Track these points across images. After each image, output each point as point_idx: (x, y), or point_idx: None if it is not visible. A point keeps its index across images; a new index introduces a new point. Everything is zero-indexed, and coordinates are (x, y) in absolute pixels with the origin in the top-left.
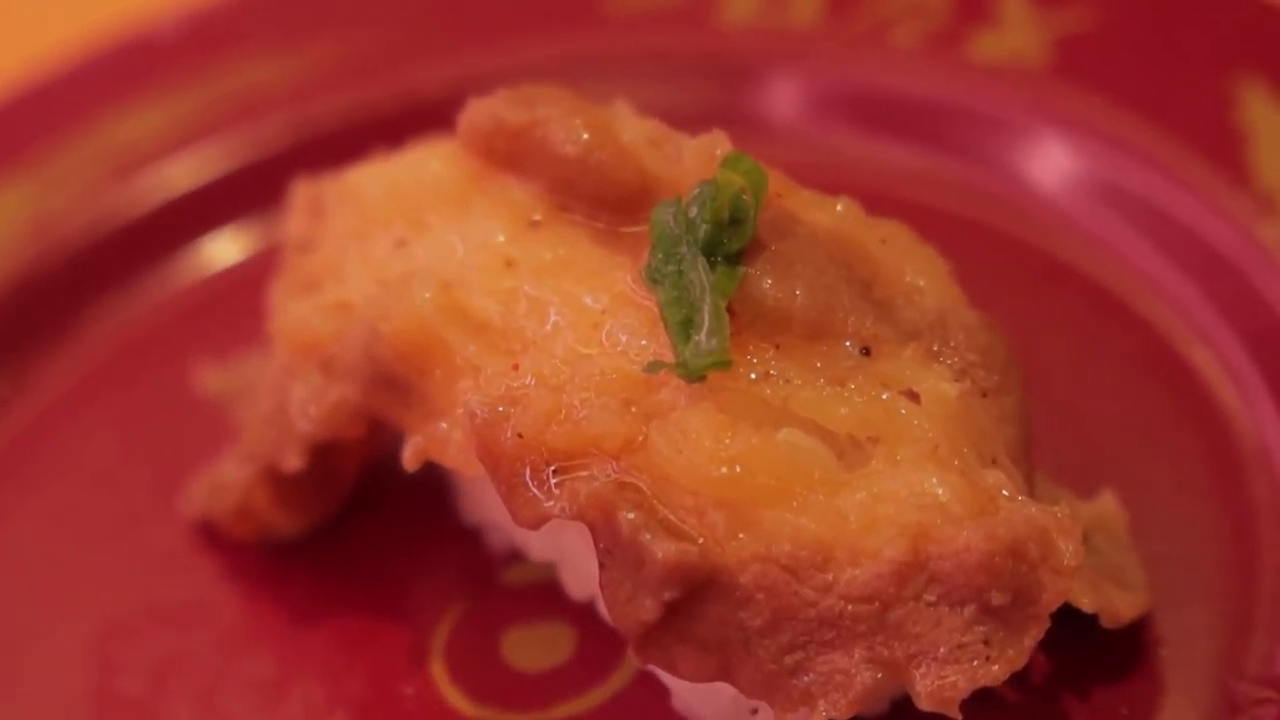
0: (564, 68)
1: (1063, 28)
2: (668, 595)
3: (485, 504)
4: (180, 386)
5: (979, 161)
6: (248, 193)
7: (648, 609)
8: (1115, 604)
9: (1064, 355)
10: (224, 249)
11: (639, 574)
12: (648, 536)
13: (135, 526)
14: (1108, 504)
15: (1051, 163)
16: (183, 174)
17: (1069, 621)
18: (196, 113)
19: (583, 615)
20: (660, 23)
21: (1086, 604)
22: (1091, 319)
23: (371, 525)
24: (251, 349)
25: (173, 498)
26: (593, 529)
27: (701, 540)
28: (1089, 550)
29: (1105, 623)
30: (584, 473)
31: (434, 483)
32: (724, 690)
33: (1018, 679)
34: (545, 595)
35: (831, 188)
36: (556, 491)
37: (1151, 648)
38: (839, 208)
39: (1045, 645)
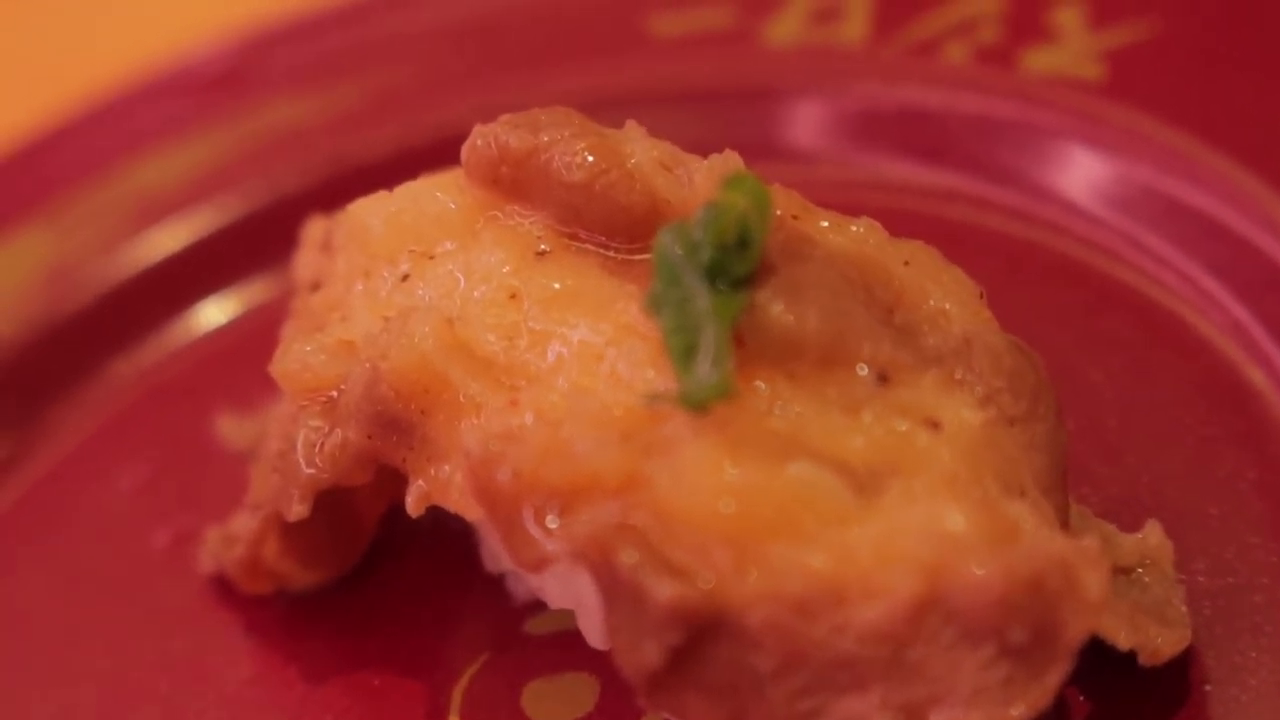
0: (598, 96)
1: (1115, 41)
2: (671, 638)
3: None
4: (202, 438)
5: (1022, 180)
6: (275, 236)
7: (652, 653)
8: (1154, 640)
9: (1111, 381)
10: (250, 294)
11: (641, 617)
12: (648, 577)
13: (150, 580)
14: (1153, 535)
15: (1100, 181)
16: (206, 219)
17: (1109, 659)
18: (219, 157)
19: (606, 665)
20: (703, 45)
21: (1123, 640)
22: (1141, 343)
23: (392, 576)
24: (276, 399)
25: (190, 551)
26: (593, 571)
27: (705, 580)
28: (1130, 585)
29: (1144, 660)
30: (583, 512)
31: (458, 532)
32: None
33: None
34: (568, 645)
35: (863, 209)
36: (555, 532)
37: (1197, 686)
38: (858, 229)
39: (1084, 684)
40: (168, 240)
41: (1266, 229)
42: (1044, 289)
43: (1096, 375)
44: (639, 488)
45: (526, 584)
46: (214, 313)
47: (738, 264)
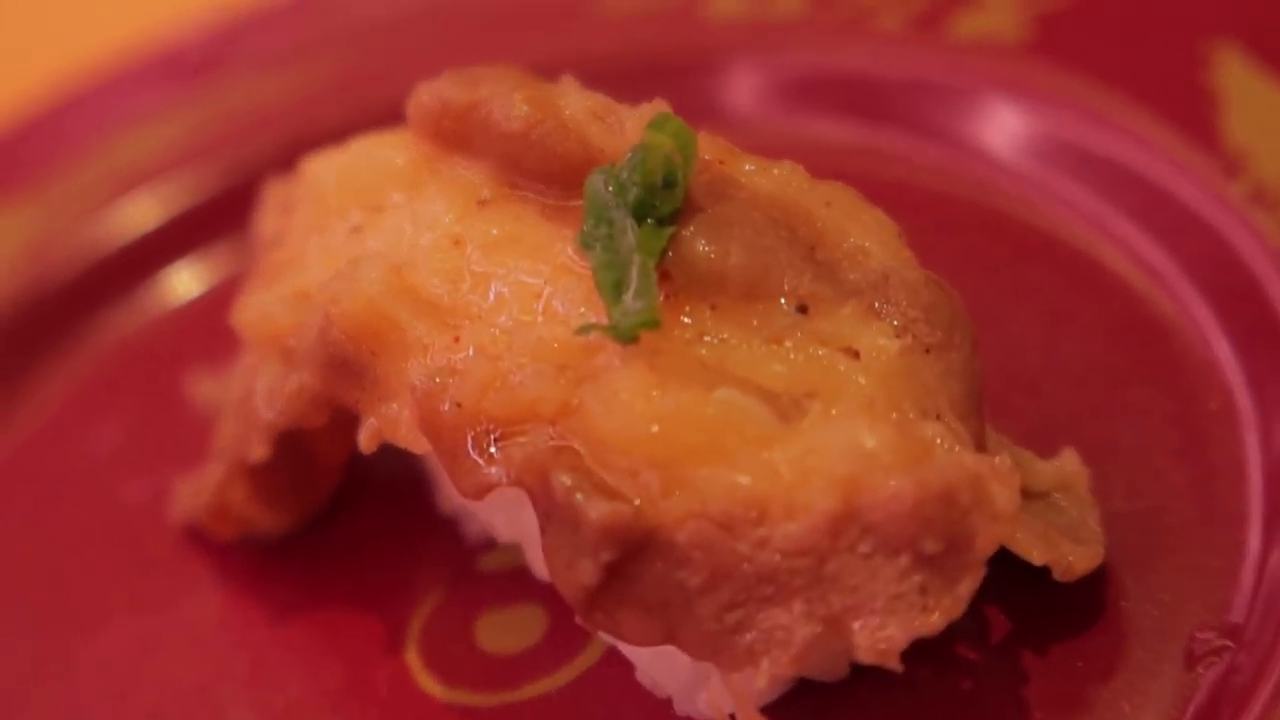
0: (548, 71)
1: (1043, 7)
2: (605, 556)
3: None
4: (175, 399)
5: (944, 136)
6: (245, 210)
7: (587, 571)
8: (1067, 557)
9: (1033, 320)
10: (221, 265)
11: (576, 537)
12: (581, 498)
13: (125, 531)
14: (1069, 462)
15: (1019, 133)
16: (179, 194)
17: (1030, 581)
18: (191, 134)
19: (554, 598)
20: (647, 22)
21: (1036, 556)
22: (1061, 284)
23: (352, 523)
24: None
25: (163, 503)
26: (531, 494)
27: (636, 500)
28: (1046, 507)
29: (1058, 576)
30: (521, 439)
31: (413, 479)
32: (681, 660)
33: (976, 638)
34: (518, 580)
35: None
36: (495, 458)
37: (1112, 602)
38: (781, 172)
39: (1004, 604)
40: (143, 214)
41: (1179, 175)
42: (968, 238)
43: (1019, 317)
44: (573, 415)
45: (478, 523)
46: (188, 282)
47: (664, 202)
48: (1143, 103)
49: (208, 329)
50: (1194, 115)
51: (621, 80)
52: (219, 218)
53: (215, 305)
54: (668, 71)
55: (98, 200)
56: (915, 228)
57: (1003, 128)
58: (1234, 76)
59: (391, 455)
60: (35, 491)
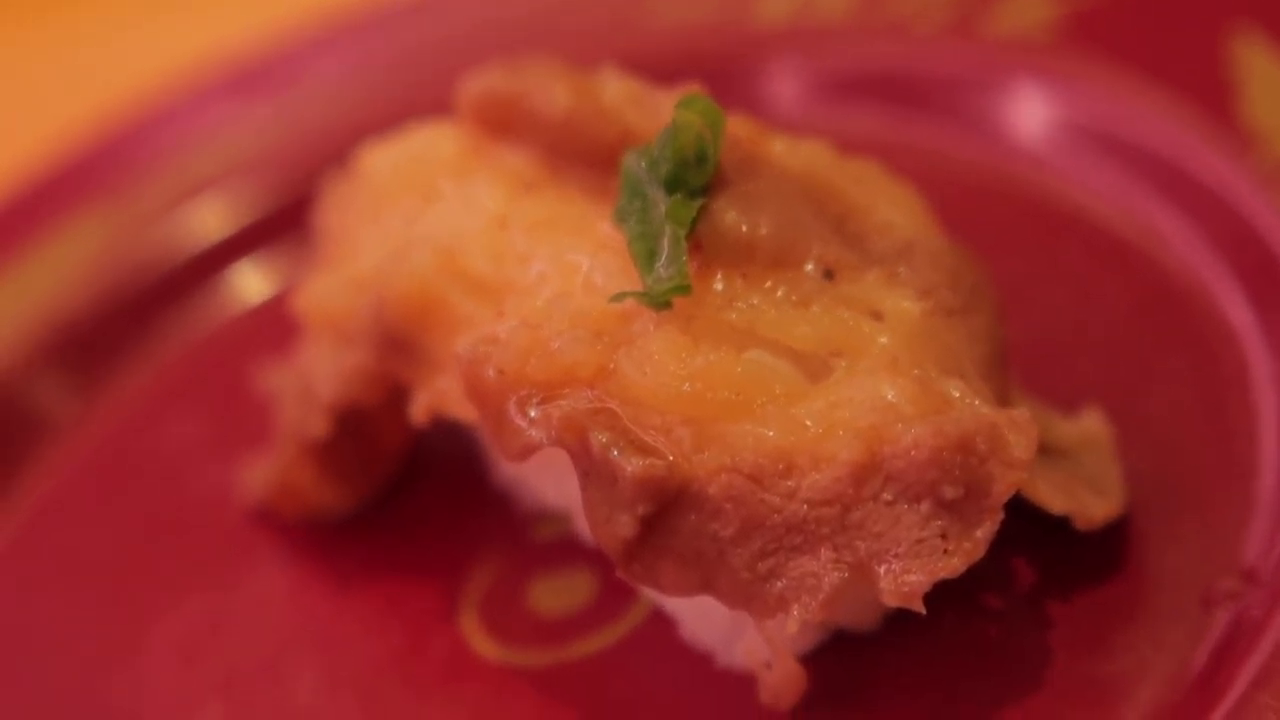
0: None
1: (1074, 4)
2: (641, 510)
3: (514, 466)
4: (248, 392)
5: (976, 125)
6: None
7: (624, 525)
8: (1088, 507)
9: (1061, 293)
10: (292, 266)
11: (613, 492)
12: (617, 454)
13: (200, 516)
14: (1093, 421)
15: (1048, 120)
16: (250, 202)
17: (1054, 534)
18: (263, 142)
19: (603, 561)
20: (696, 25)
21: (1057, 505)
22: (1088, 260)
23: (412, 500)
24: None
25: (235, 489)
26: (571, 453)
27: (670, 455)
28: (1069, 461)
29: (1078, 525)
30: (560, 401)
31: (470, 455)
32: (719, 612)
33: (1002, 588)
34: (569, 546)
35: None
36: (536, 420)
37: (1133, 553)
38: (809, 149)
39: (1030, 555)
40: (215, 220)
41: (1201, 154)
42: (999, 218)
43: (1047, 290)
44: (610, 377)
45: (530, 495)
46: (258, 284)
47: (694, 177)
48: (1165, 88)
49: (276, 328)
50: (1214, 98)
51: (666, 79)
52: (287, 223)
53: (284, 305)
54: (711, 72)
55: (174, 208)
56: (946, 208)
57: (1033, 115)
58: (1253, 62)
59: (449, 436)
60: (112, 481)
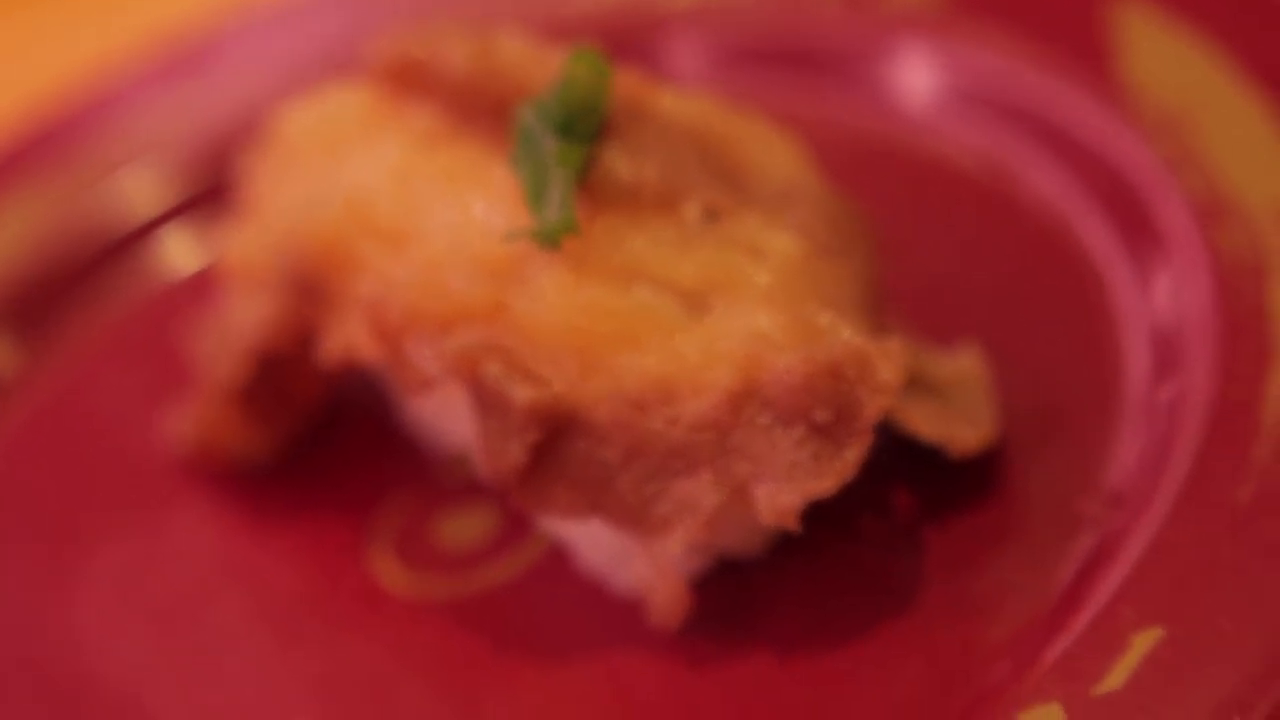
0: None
1: None
2: (531, 437)
3: (423, 412)
4: (179, 355)
5: (862, 91)
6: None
7: (516, 451)
8: (961, 436)
9: (944, 242)
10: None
11: (505, 421)
12: (509, 385)
13: (135, 462)
14: (968, 357)
15: (932, 83)
16: (185, 177)
17: (932, 466)
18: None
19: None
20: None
21: (928, 432)
22: (972, 212)
23: (330, 445)
24: None
25: (161, 442)
26: (465, 386)
27: (558, 385)
28: (943, 393)
29: (952, 453)
30: (456, 337)
31: (384, 402)
32: (611, 540)
33: (880, 514)
34: (476, 484)
35: None
36: (432, 356)
37: (1005, 481)
38: (698, 102)
39: (908, 484)
40: (153, 194)
41: (1079, 110)
42: (885, 173)
43: (930, 239)
44: (503, 314)
45: (439, 437)
46: (193, 253)
47: (583, 124)
48: (1048, 52)
49: (208, 292)
50: (1094, 58)
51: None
52: (218, 195)
53: (215, 272)
54: (612, 44)
55: (110, 181)
56: (836, 169)
57: (919, 81)
58: (1132, 23)
59: (364, 387)
60: (52, 434)
